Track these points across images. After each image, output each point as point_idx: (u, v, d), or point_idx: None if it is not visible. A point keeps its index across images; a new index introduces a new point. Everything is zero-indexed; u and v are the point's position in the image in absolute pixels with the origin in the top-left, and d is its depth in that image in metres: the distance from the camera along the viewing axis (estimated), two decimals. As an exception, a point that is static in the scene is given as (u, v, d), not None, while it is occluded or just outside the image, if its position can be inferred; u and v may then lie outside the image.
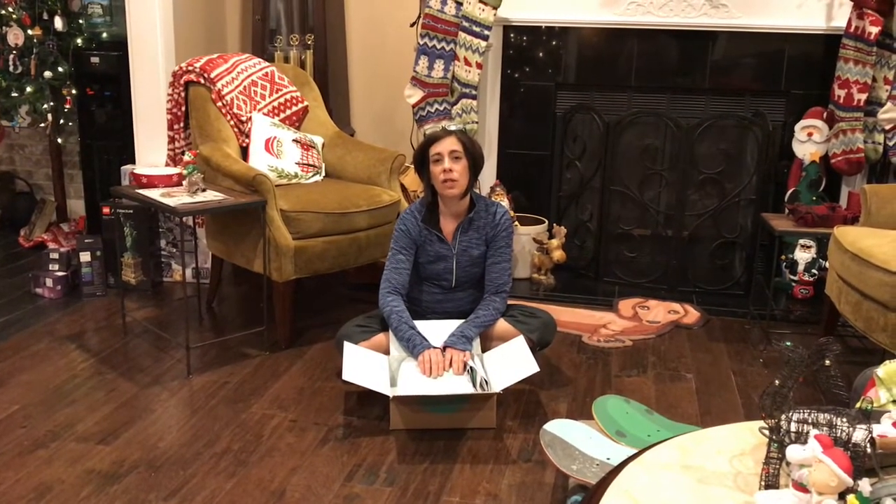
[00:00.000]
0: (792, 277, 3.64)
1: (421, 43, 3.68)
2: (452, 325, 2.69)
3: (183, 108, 3.39)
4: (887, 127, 3.45)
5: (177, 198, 2.83)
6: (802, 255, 3.60)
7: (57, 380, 2.74)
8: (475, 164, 2.67)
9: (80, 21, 4.00)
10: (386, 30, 4.16)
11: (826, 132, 3.57)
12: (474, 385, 2.45)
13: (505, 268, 2.71)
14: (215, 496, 2.08)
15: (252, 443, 2.35)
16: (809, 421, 1.35)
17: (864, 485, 1.25)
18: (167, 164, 3.49)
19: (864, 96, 3.45)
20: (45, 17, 3.88)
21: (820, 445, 1.28)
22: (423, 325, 2.64)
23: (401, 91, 3.79)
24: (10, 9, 3.82)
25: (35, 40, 3.85)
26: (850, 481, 1.24)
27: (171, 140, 3.47)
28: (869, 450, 1.31)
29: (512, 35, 3.86)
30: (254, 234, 2.97)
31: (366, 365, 2.52)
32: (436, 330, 2.65)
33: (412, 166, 3.57)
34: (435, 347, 2.54)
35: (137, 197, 2.92)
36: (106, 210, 3.58)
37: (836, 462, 1.24)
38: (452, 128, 2.69)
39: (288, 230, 2.94)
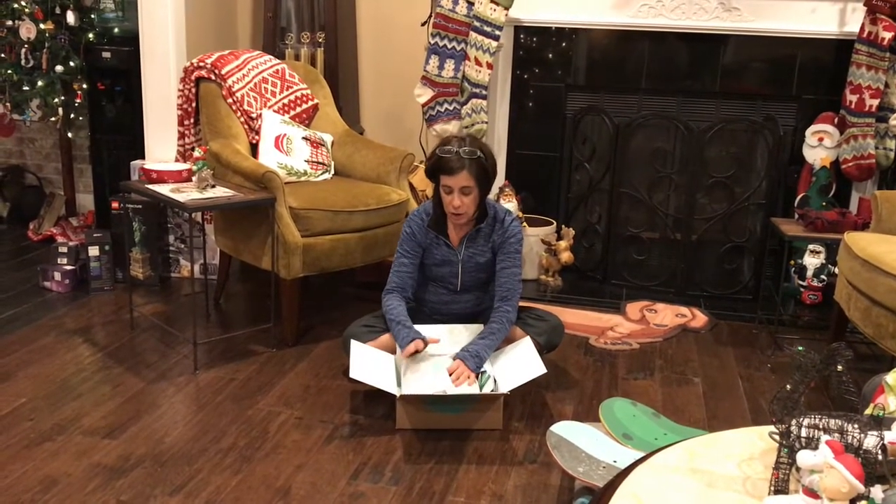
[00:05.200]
0: (800, 283, 3.63)
1: (432, 42, 3.68)
2: (458, 329, 2.69)
3: (193, 104, 3.39)
4: (899, 133, 3.43)
5: (186, 193, 2.83)
6: (811, 261, 3.58)
7: (64, 373, 2.74)
8: (487, 184, 2.60)
9: (93, 16, 4.01)
10: (397, 29, 4.16)
11: (837, 137, 3.55)
12: (481, 386, 2.45)
13: (514, 273, 2.68)
14: (220, 492, 2.08)
15: (258, 439, 2.35)
16: (820, 426, 1.35)
17: (876, 491, 1.24)
18: (177, 160, 3.50)
19: (876, 102, 3.44)
20: (58, 11, 3.90)
21: (831, 451, 1.27)
22: (427, 330, 2.63)
23: (411, 90, 3.79)
24: (23, 3, 3.83)
25: (47, 34, 3.86)
26: (861, 488, 1.23)
27: (181, 136, 3.47)
28: (880, 456, 1.30)
29: (523, 36, 3.86)
30: (262, 230, 2.97)
31: (373, 364, 2.52)
32: (441, 334, 2.65)
33: (421, 166, 3.58)
34: (420, 338, 2.52)
35: (147, 192, 2.93)
36: (115, 205, 3.59)
37: (848, 468, 1.23)
38: (465, 155, 2.52)
39: (296, 227, 2.94)
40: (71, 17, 3.88)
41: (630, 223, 3.84)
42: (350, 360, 2.49)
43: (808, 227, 3.18)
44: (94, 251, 3.55)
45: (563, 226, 3.86)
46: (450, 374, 2.47)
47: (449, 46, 3.65)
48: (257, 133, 3.32)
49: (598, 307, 3.58)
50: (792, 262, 3.64)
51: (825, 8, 3.52)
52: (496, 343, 2.59)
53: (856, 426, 1.32)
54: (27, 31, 3.85)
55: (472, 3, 3.57)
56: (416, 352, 2.50)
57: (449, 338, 2.65)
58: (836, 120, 3.56)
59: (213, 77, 3.31)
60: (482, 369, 2.52)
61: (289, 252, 2.92)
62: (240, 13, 4.32)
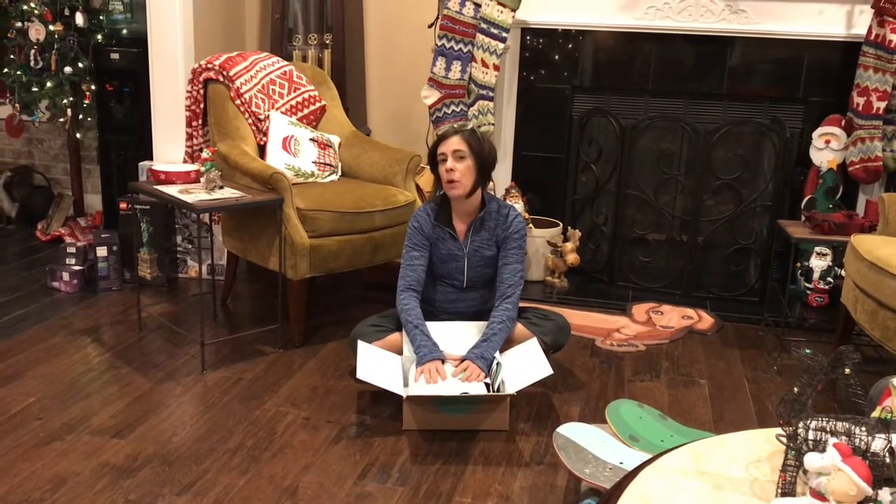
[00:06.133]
0: (807, 285, 3.62)
1: (439, 44, 3.69)
2: (465, 327, 2.70)
3: (201, 106, 3.41)
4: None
5: (194, 194, 2.84)
6: (818, 263, 3.58)
7: (72, 373, 2.76)
8: (483, 163, 2.64)
9: (101, 17, 4.03)
10: (404, 30, 4.17)
11: (844, 140, 3.55)
12: (489, 387, 2.45)
13: (516, 269, 2.70)
14: (228, 492, 2.09)
15: (265, 440, 2.36)
16: (827, 429, 1.35)
17: (885, 494, 1.24)
18: (185, 161, 3.51)
19: (883, 104, 3.43)
20: (67, 13, 3.92)
21: (839, 454, 1.27)
22: (434, 327, 2.65)
23: (417, 92, 3.80)
24: (33, 4, 3.85)
25: (56, 36, 3.88)
26: (869, 490, 1.24)
27: (189, 137, 3.49)
28: (888, 459, 1.30)
29: (529, 37, 3.86)
30: (270, 231, 2.99)
31: (379, 364, 2.53)
32: (448, 332, 2.66)
33: (427, 167, 3.59)
34: (438, 357, 2.53)
35: (155, 193, 2.94)
36: (123, 205, 3.61)
37: (856, 471, 1.23)
38: (469, 125, 2.70)
39: (304, 228, 2.95)
40: (80, 19, 3.90)
41: (636, 225, 3.84)
42: (357, 361, 2.50)
43: (815, 230, 3.18)
44: (101, 251, 3.57)
45: (569, 227, 3.87)
46: (454, 375, 2.48)
47: (456, 48, 3.66)
48: (265, 134, 3.33)
49: (604, 309, 3.58)
50: (798, 264, 3.64)
51: (832, 10, 3.51)
52: (500, 343, 2.60)
53: (863, 429, 1.32)
54: (36, 32, 3.87)
55: (479, 5, 3.58)
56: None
57: (457, 335, 2.66)
58: (843, 122, 3.56)
59: (221, 78, 3.32)
60: (496, 360, 2.53)
61: (296, 253, 2.93)
62: (248, 15, 4.33)
